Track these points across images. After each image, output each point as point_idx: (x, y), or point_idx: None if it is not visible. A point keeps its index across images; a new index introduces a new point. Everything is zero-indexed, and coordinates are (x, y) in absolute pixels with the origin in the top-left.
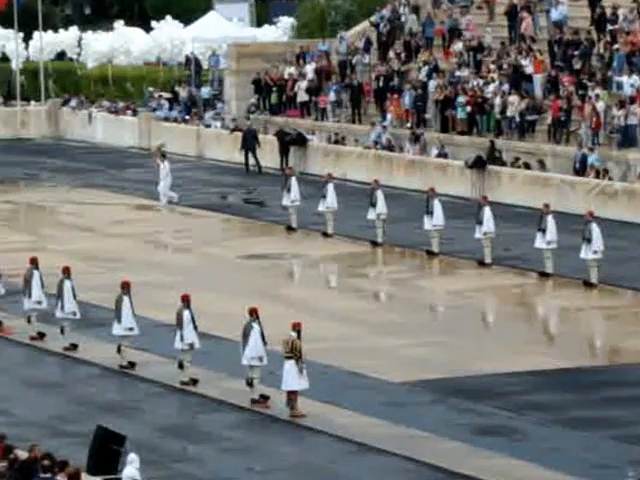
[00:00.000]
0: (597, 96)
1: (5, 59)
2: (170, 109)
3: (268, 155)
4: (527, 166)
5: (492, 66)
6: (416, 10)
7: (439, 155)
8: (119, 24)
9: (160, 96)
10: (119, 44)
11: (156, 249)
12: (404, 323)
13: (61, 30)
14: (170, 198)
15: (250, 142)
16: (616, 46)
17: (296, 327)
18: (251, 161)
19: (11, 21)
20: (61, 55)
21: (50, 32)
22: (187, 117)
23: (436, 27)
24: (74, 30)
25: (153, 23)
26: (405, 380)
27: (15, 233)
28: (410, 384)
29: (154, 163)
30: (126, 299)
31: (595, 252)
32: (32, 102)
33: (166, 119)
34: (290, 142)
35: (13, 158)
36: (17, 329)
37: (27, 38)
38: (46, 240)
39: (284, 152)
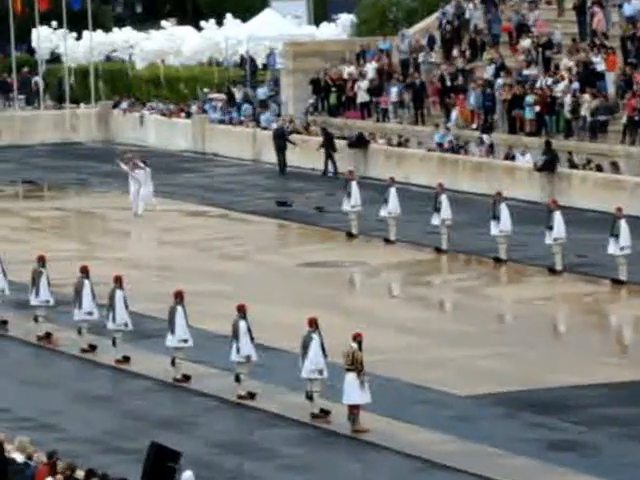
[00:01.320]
0: None
1: (58, 60)
2: (226, 111)
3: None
4: (599, 168)
5: (562, 64)
6: (494, 4)
7: (507, 157)
8: (168, 23)
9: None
10: (169, 44)
11: (211, 257)
12: (471, 333)
13: (115, 29)
14: (152, 205)
15: (278, 142)
16: None
17: (357, 338)
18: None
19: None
20: (112, 56)
21: (100, 32)
22: (242, 119)
23: (503, 23)
24: (125, 30)
25: (202, 22)
26: (473, 393)
27: (65, 241)
28: (478, 397)
29: (128, 169)
30: (180, 309)
31: None
32: (82, 104)
33: (221, 122)
34: (351, 145)
35: (62, 163)
36: (67, 341)
37: (79, 38)
38: (97, 248)
39: (328, 153)
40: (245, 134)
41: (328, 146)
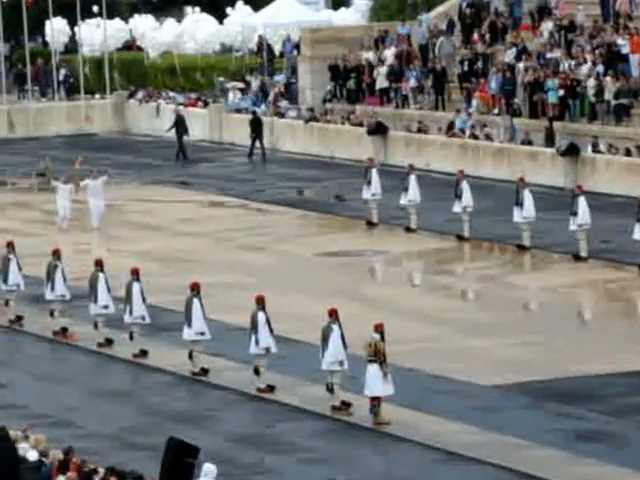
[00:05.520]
0: None
1: (74, 50)
2: (241, 99)
3: (357, 147)
4: (628, 152)
5: (585, 46)
6: None
7: (523, 142)
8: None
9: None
10: (185, 32)
11: (230, 248)
12: (495, 322)
13: (136, 16)
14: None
15: (254, 128)
16: None
17: (379, 328)
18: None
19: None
20: (128, 45)
21: (118, 20)
22: (262, 107)
23: (524, 6)
24: (140, 18)
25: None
26: (497, 383)
27: (81, 234)
28: (503, 387)
29: (74, 187)
30: (196, 302)
31: None
32: (97, 95)
33: (238, 110)
34: (370, 132)
35: (78, 154)
36: (84, 335)
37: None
38: (113, 240)
39: (256, 136)
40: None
41: (255, 129)
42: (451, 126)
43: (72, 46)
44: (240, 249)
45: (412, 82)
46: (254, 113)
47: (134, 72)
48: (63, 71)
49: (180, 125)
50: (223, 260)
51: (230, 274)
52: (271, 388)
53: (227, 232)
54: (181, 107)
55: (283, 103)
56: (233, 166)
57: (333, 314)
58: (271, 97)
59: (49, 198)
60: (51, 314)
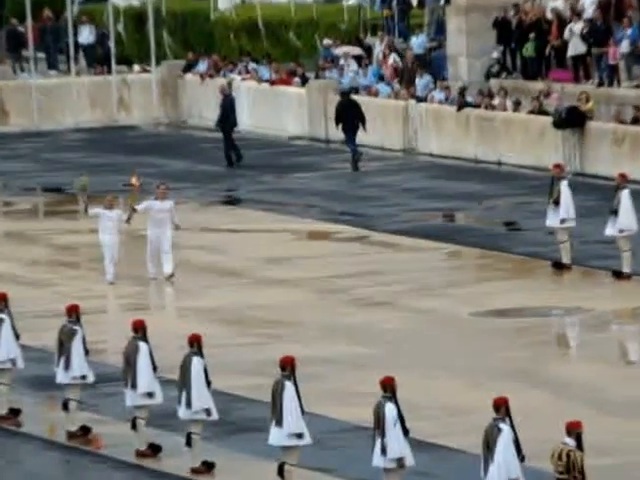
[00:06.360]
0: None
1: None
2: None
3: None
4: None
5: None
6: None
7: None
8: None
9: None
10: None
11: (339, 304)
12: None
13: None
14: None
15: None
16: None
17: (574, 429)
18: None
19: None
20: None
21: None
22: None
23: None
24: None
25: None
26: None
27: (118, 281)
28: None
29: (125, 214)
30: (289, 387)
31: None
32: (135, 67)
33: (353, 90)
34: (558, 123)
35: (107, 158)
36: (115, 440)
37: None
38: (162, 292)
39: (347, 127)
40: (391, 109)
41: (347, 119)
42: None
43: None
44: (356, 305)
45: (625, 46)
46: (344, 94)
47: (194, 32)
48: (87, 28)
49: (228, 112)
50: (330, 322)
51: (341, 344)
52: None
53: (336, 279)
54: (227, 81)
55: (423, 79)
56: (344, 177)
57: (502, 406)
58: (388, 71)
59: (62, 226)
60: (65, 406)
